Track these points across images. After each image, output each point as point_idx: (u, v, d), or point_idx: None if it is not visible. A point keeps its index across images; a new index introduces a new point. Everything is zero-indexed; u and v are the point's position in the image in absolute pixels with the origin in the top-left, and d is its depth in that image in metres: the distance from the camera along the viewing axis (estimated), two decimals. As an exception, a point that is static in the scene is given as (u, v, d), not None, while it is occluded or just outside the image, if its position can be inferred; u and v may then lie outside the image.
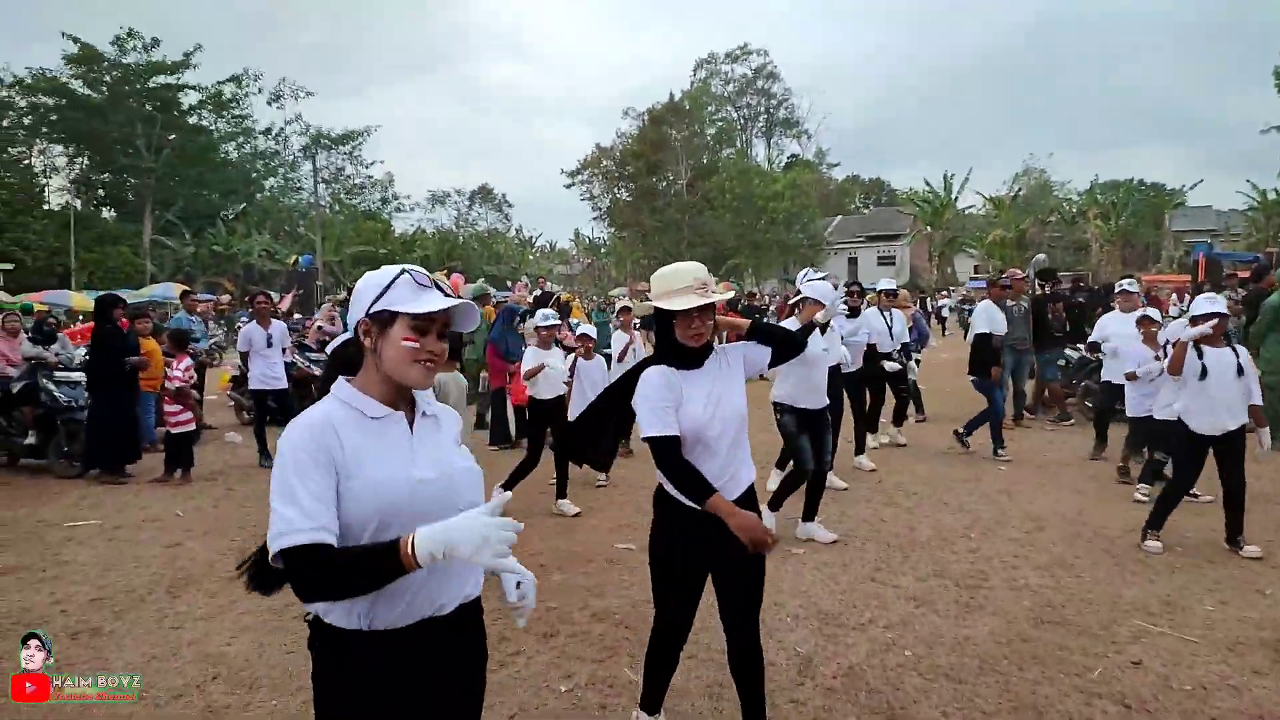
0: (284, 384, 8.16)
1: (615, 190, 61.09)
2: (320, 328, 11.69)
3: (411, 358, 1.63)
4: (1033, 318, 9.13)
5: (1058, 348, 9.73)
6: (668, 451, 2.62)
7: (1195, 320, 5.01)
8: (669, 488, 2.69)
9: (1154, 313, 6.80)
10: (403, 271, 1.68)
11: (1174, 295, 26.95)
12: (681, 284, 2.60)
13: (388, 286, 1.65)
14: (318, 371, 9.17)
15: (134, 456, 7.59)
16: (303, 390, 8.99)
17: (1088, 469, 7.31)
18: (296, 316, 19.89)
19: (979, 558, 5.01)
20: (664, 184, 58.69)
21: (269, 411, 8.26)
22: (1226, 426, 4.87)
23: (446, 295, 1.68)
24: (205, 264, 47.05)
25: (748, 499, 2.73)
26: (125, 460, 7.47)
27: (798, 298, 5.51)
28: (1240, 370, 4.87)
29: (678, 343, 2.67)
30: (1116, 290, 7.79)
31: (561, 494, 6.30)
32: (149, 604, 4.49)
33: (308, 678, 1.72)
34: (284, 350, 8.37)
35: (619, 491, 6.91)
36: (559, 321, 6.72)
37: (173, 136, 48.17)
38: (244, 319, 15.49)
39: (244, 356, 8.36)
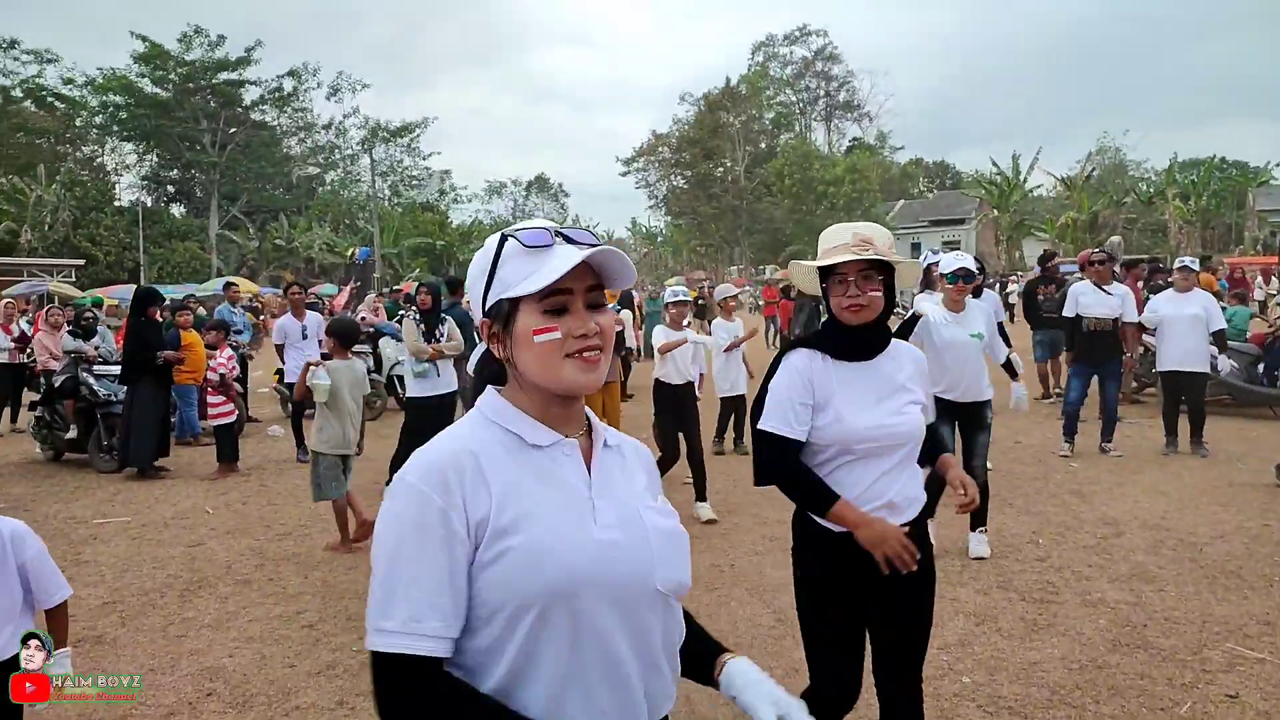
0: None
1: (671, 178, 60.75)
2: (363, 318, 11.61)
3: (558, 352, 1.11)
4: (1023, 298, 9.09)
5: (1046, 329, 9.83)
6: (780, 453, 2.13)
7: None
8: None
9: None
10: (504, 239, 1.15)
11: (1260, 277, 25.44)
12: (838, 241, 2.12)
13: (493, 266, 1.15)
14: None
15: (164, 452, 7.53)
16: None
17: (1167, 466, 6.69)
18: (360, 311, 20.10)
19: (1048, 568, 4.53)
20: (721, 170, 58.09)
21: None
22: None
23: (580, 243, 1.14)
24: (269, 258, 48.17)
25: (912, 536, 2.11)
26: (157, 455, 7.41)
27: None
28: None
29: (837, 322, 2.16)
30: (1176, 266, 7.16)
31: (701, 496, 5.81)
32: (159, 609, 4.33)
33: (304, 696, 1.42)
34: (319, 342, 8.25)
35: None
36: (688, 299, 6.35)
37: (234, 131, 49.30)
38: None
39: (279, 349, 8.26)
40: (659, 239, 72.16)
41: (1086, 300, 7.05)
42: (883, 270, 2.10)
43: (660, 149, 60.65)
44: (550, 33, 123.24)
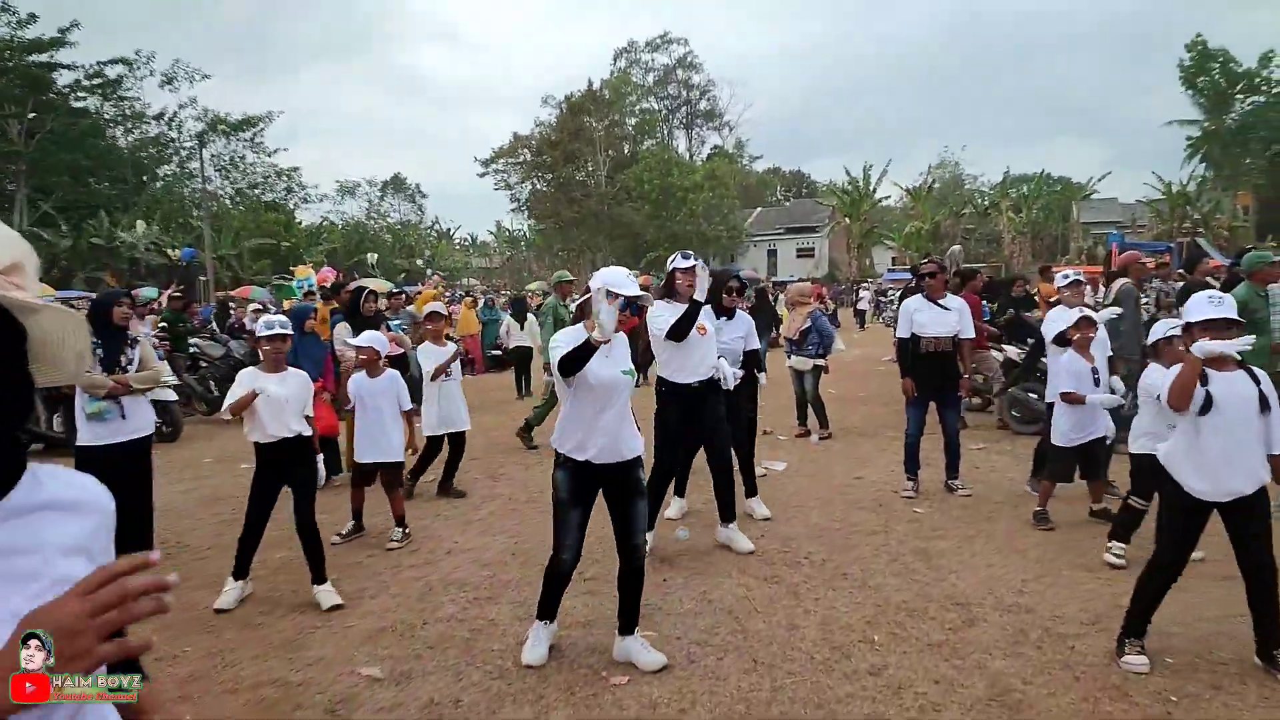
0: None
1: (533, 180, 59.23)
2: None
3: None
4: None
5: None
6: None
7: (1197, 330, 3.32)
8: None
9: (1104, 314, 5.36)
10: None
11: (1088, 286, 26.55)
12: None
13: None
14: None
15: None
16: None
17: (1023, 506, 5.80)
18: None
19: (884, 687, 3.36)
20: (582, 174, 57.06)
21: None
22: (1239, 490, 3.32)
23: None
24: (85, 258, 43.27)
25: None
26: None
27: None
28: (1264, 404, 3.34)
29: None
30: (1061, 281, 6.28)
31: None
32: None
33: None
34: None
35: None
36: (287, 332, 4.80)
37: (45, 119, 43.87)
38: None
39: None
40: (523, 243, 70.37)
41: (922, 318, 6.08)
42: None
43: (521, 151, 59.15)
44: (418, 30, 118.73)
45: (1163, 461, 3.49)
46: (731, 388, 5.03)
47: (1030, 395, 8.37)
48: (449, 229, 77.33)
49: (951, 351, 6.06)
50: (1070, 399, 5.23)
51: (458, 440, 6.68)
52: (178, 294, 14.74)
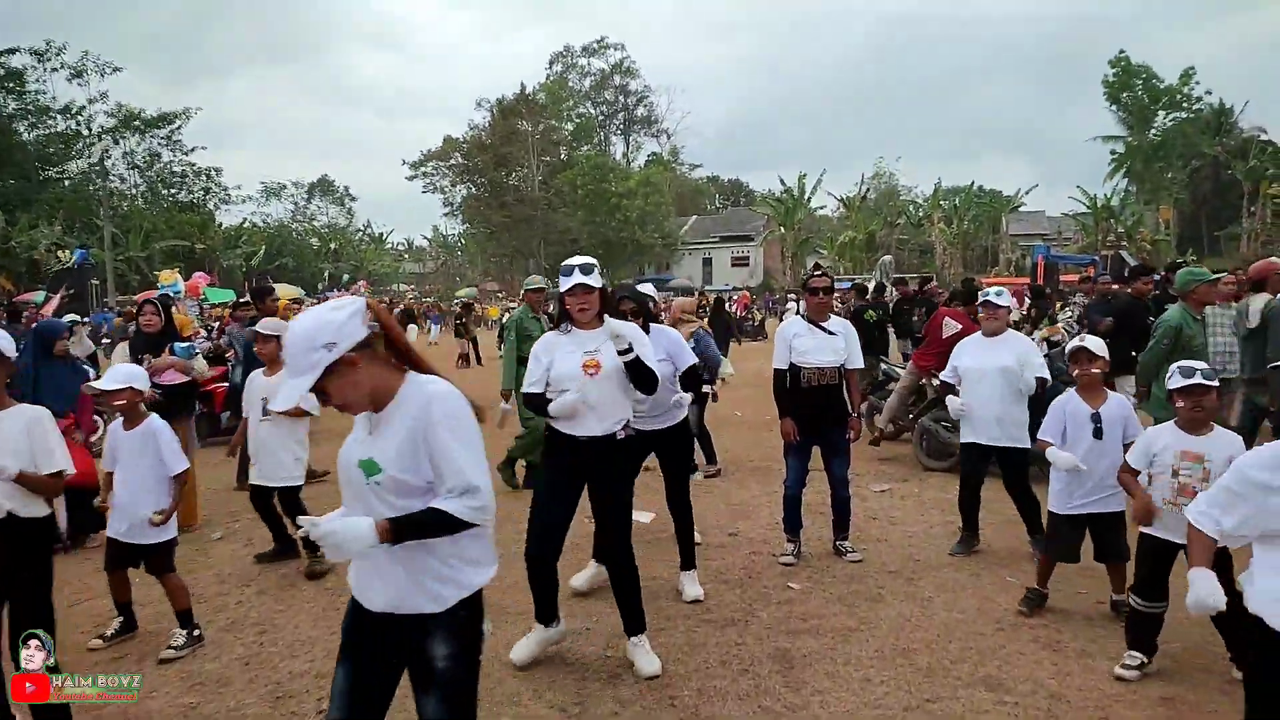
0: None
1: (465, 184, 57.58)
2: None
3: None
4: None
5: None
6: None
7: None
8: None
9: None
10: None
11: (1014, 299, 26.25)
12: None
13: None
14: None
15: None
16: None
17: (919, 579, 4.75)
18: (69, 318, 15.63)
19: None
20: (515, 179, 55.63)
21: None
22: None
23: None
24: (-24, 260, 40.32)
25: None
26: None
27: None
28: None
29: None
30: (981, 301, 5.21)
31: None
32: None
33: None
34: None
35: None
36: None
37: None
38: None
39: None
40: (458, 248, 68.55)
41: (803, 344, 4.97)
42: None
43: (453, 154, 57.50)
44: (353, 33, 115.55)
45: (1255, 609, 2.28)
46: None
47: (943, 426, 7.39)
48: (381, 233, 75.12)
49: (838, 385, 4.96)
50: (1041, 447, 4.10)
51: (280, 495, 5.21)
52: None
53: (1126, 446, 3.78)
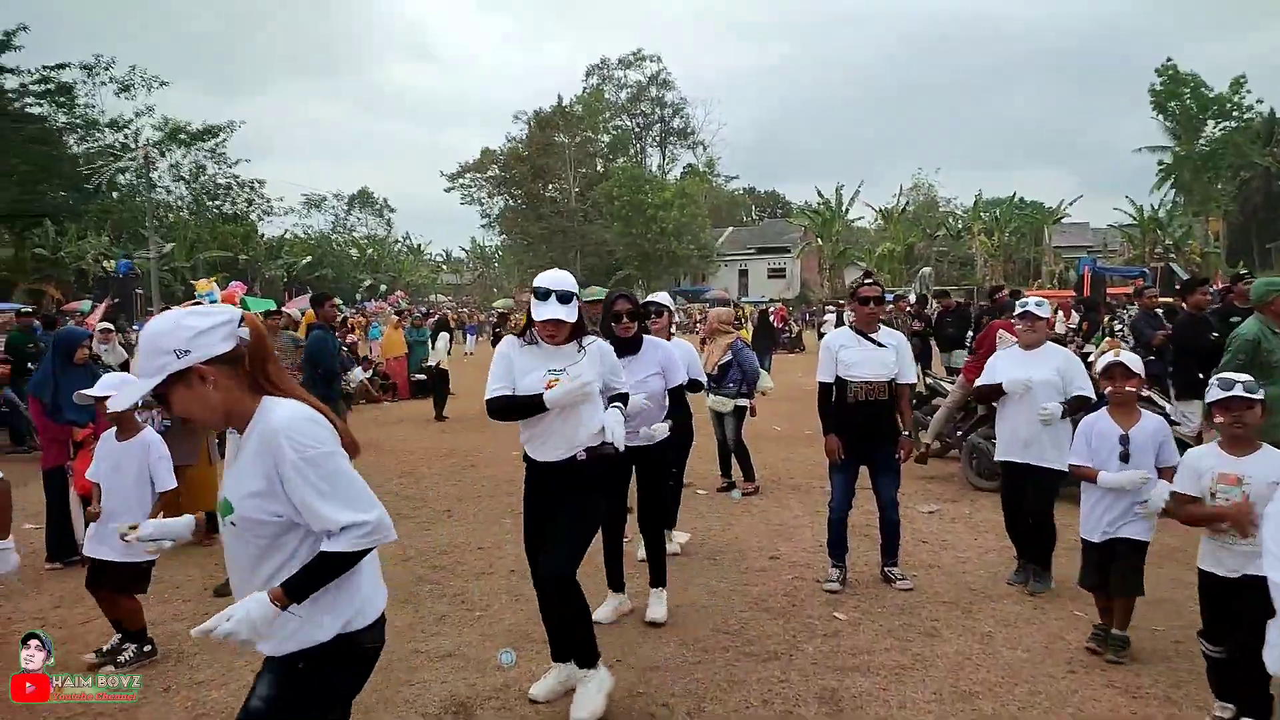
0: None
1: (503, 195, 58.03)
2: None
3: None
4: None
5: None
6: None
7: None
8: None
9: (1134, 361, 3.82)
10: None
11: (1059, 311, 25.50)
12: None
13: None
14: None
15: None
16: None
17: (977, 609, 4.42)
18: (101, 325, 15.78)
19: None
20: (552, 190, 55.89)
21: None
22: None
23: None
24: (27, 269, 41.43)
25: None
26: None
27: None
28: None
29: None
30: (1018, 312, 4.85)
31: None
32: None
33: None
34: None
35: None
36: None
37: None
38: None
39: None
40: (494, 259, 69.12)
41: (851, 356, 4.65)
42: None
43: (490, 166, 57.98)
44: (393, 47, 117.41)
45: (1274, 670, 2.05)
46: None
47: (993, 443, 7.01)
48: (419, 244, 76.01)
49: (887, 401, 4.65)
50: (1079, 474, 3.81)
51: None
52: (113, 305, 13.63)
53: (1163, 472, 3.48)
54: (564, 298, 3.21)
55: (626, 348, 4.09)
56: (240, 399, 1.86)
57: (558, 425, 3.29)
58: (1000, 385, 4.66)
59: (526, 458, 3.47)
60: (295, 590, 1.78)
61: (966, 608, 4.42)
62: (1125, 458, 3.63)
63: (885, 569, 4.83)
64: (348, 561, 1.81)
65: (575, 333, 3.33)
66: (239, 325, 1.86)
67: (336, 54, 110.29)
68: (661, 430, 4.05)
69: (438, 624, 4.28)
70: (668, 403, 4.35)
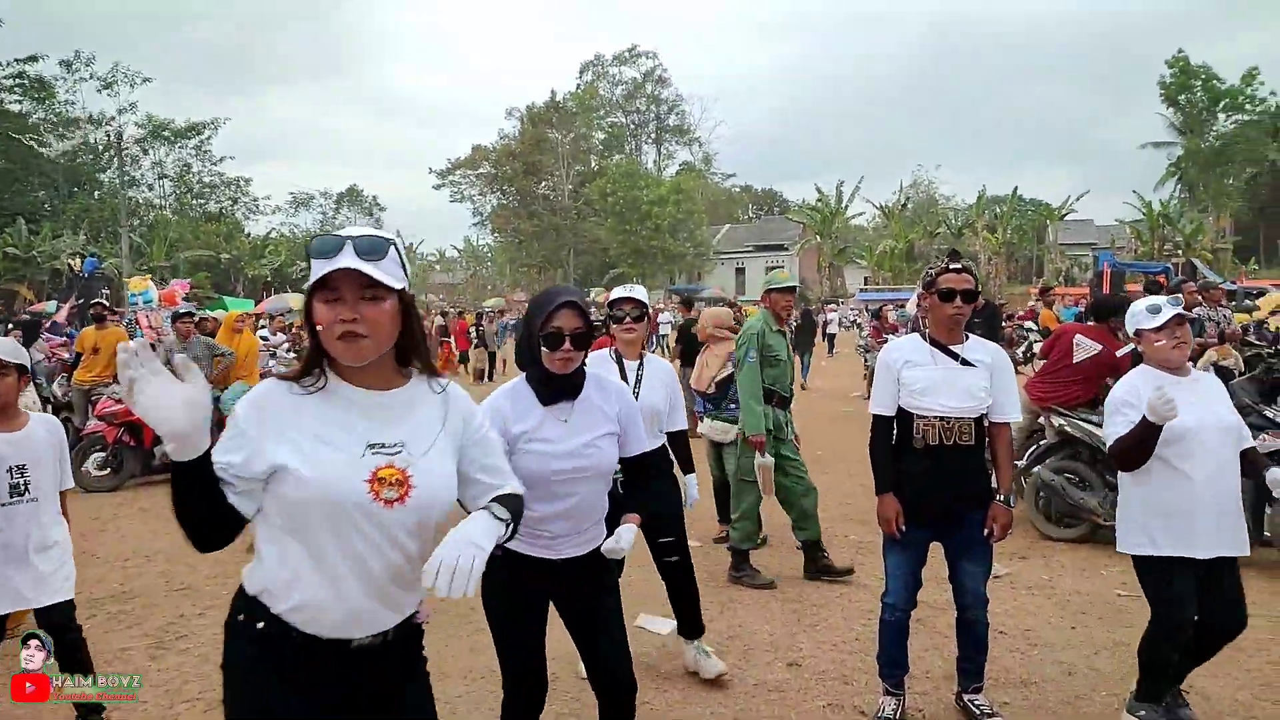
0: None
1: (494, 193, 56.66)
2: None
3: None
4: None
5: None
6: None
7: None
8: None
9: None
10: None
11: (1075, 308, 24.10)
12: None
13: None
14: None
15: None
16: None
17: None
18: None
19: None
20: (545, 188, 54.51)
21: None
22: None
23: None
24: (-1, 268, 40.25)
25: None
26: None
27: None
28: None
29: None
30: (1158, 321, 2.94)
31: None
32: None
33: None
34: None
35: None
36: None
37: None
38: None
39: None
40: (487, 259, 67.87)
41: (921, 378, 3.07)
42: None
43: (481, 163, 56.64)
44: (391, 47, 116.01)
45: None
46: None
47: (1068, 478, 5.52)
48: (410, 244, 74.68)
49: (974, 447, 3.10)
50: None
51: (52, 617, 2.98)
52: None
53: None
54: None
55: (560, 389, 2.39)
56: None
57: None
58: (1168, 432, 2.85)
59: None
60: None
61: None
62: None
63: (965, 696, 3.28)
64: None
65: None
66: None
67: (335, 54, 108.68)
68: (627, 539, 2.46)
69: None
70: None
